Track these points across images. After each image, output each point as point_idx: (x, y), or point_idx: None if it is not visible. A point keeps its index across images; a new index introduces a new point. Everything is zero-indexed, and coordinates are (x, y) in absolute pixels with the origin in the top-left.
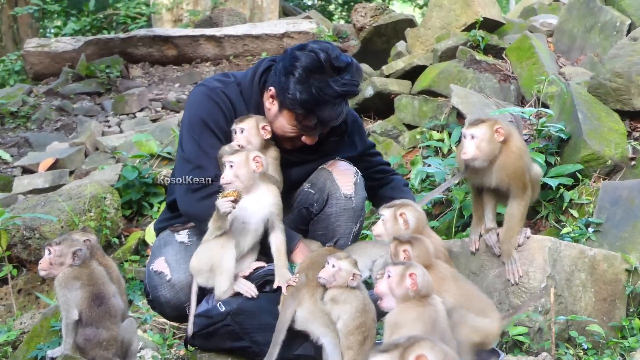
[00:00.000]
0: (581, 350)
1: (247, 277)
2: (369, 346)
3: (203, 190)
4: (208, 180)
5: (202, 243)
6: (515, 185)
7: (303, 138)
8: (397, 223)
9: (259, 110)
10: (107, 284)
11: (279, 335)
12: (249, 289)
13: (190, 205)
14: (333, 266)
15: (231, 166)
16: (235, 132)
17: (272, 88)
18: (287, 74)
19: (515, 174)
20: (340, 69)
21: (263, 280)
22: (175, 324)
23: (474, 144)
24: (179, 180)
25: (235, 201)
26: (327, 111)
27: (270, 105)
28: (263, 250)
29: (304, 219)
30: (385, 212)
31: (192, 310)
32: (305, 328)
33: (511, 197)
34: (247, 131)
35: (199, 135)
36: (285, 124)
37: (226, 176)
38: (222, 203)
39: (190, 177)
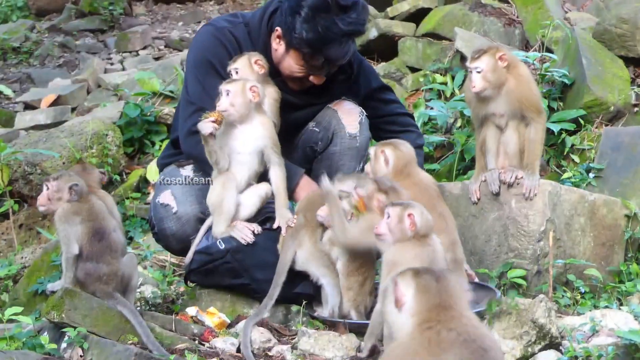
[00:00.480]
0: (578, 294)
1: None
2: (368, 287)
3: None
4: None
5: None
6: (529, 109)
7: (311, 78)
8: (378, 161)
9: (267, 51)
10: (107, 219)
11: (280, 277)
12: (245, 236)
13: (192, 147)
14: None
15: (227, 94)
16: (231, 74)
17: (278, 28)
18: (293, 13)
19: (527, 97)
20: (346, 8)
21: (264, 217)
22: (175, 261)
23: (480, 76)
24: (181, 122)
25: (216, 122)
26: (333, 50)
27: (277, 45)
28: None
29: (307, 157)
30: (371, 150)
31: (193, 247)
32: (306, 269)
33: (529, 124)
34: (241, 70)
35: (204, 77)
36: (292, 64)
37: (222, 104)
38: (202, 125)
39: (193, 119)
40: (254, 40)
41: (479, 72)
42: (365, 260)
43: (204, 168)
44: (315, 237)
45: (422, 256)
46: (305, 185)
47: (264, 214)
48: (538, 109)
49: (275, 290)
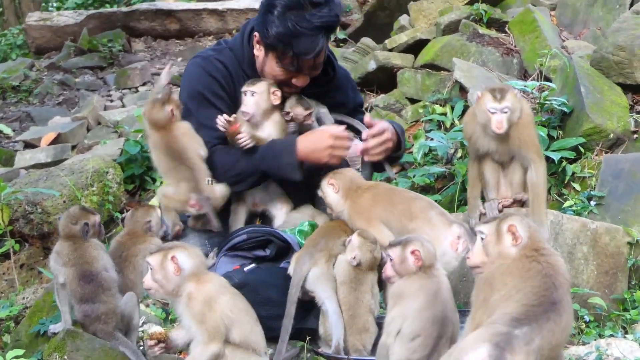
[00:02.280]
0: (583, 323)
1: (245, 240)
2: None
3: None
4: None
5: None
6: (531, 150)
7: (293, 81)
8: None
9: (253, 65)
10: (95, 261)
11: (294, 292)
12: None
13: None
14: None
15: (252, 95)
16: (245, 94)
17: (256, 33)
18: (266, 12)
19: (531, 138)
20: (318, 4)
21: (264, 238)
22: None
23: (507, 117)
24: None
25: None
26: (302, 43)
27: (258, 52)
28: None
29: (310, 187)
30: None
31: None
32: (314, 289)
33: (530, 166)
34: (258, 95)
35: (197, 109)
36: (272, 65)
37: (247, 105)
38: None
39: None
40: (240, 60)
41: (505, 112)
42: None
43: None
44: (330, 262)
45: (427, 287)
46: (305, 143)
47: (265, 235)
48: (538, 150)
49: (291, 308)
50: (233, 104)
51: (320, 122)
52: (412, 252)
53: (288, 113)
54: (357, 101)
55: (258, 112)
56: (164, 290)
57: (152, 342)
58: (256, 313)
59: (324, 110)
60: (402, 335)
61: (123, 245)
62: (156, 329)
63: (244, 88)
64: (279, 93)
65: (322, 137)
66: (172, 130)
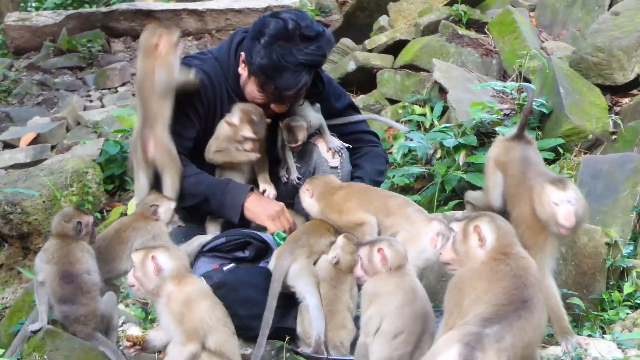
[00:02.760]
0: None
1: (224, 242)
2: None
3: None
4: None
5: None
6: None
7: (272, 106)
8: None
9: (237, 79)
10: (76, 264)
11: (276, 287)
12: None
13: None
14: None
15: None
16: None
17: (242, 53)
18: (254, 38)
19: None
20: (309, 38)
21: (243, 240)
22: None
23: (574, 209)
24: None
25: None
26: (285, 79)
27: (242, 70)
28: None
29: (290, 192)
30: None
31: None
32: (295, 284)
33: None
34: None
35: (174, 118)
36: (253, 89)
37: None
38: None
39: None
40: (225, 72)
41: (573, 204)
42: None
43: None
44: (311, 258)
45: (404, 285)
46: (255, 200)
47: (244, 237)
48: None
49: (272, 302)
50: (207, 117)
51: (321, 131)
52: (378, 251)
53: (297, 141)
54: (345, 103)
55: None
56: (144, 288)
57: (128, 344)
58: (235, 312)
59: (317, 117)
60: (383, 333)
61: (124, 221)
62: (133, 331)
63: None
64: (232, 119)
65: (271, 207)
66: None
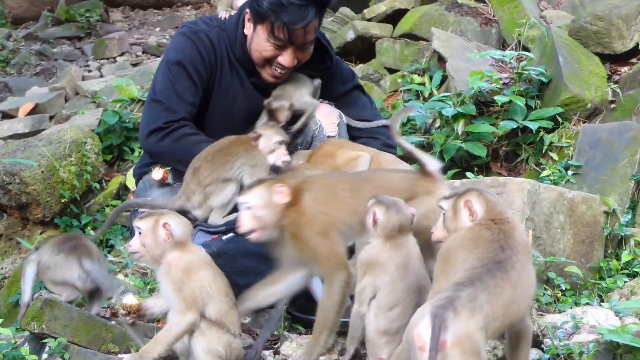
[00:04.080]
0: (559, 291)
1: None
2: None
3: (164, 130)
4: (177, 123)
5: None
6: None
7: (279, 59)
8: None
9: (243, 52)
10: None
11: None
12: None
13: (153, 145)
14: None
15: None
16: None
17: (247, 10)
18: None
19: None
20: None
21: None
22: None
23: None
24: (144, 119)
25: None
26: (292, 13)
27: (248, 29)
28: None
29: None
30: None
31: None
32: None
33: None
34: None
35: (175, 77)
36: (261, 41)
37: None
38: None
39: (157, 116)
40: (231, 41)
41: None
42: None
43: (172, 162)
44: None
45: (397, 260)
46: None
47: None
48: None
49: None
50: (208, 84)
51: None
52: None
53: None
54: (352, 84)
55: None
56: (149, 255)
57: (124, 312)
58: (234, 282)
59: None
60: (379, 305)
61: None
62: (128, 299)
63: None
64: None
65: None
66: None
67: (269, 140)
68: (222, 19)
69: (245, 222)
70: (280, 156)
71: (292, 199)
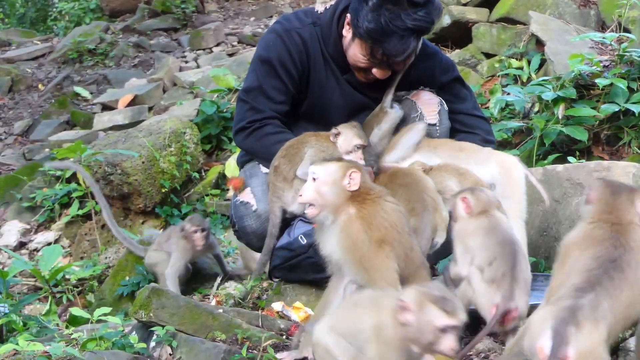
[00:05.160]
0: None
1: None
2: None
3: (247, 130)
4: (260, 122)
5: None
6: None
7: (374, 71)
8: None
9: (336, 50)
10: None
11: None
12: None
13: (241, 142)
14: None
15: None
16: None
17: (348, 15)
18: (361, 0)
19: None
20: (416, 4)
21: None
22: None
23: None
24: (235, 117)
25: None
26: (392, 43)
27: (347, 32)
28: None
29: None
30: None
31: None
32: None
33: None
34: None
35: (263, 76)
36: (357, 52)
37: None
38: None
39: (243, 116)
40: (325, 39)
41: None
42: None
43: (258, 159)
44: None
45: (483, 225)
46: None
47: None
48: None
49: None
50: (300, 82)
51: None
52: (462, 200)
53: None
54: (453, 76)
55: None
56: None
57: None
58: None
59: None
60: (478, 265)
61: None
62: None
63: None
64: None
65: None
66: None
67: (348, 142)
68: (318, 12)
69: (307, 192)
70: (355, 160)
71: (365, 191)
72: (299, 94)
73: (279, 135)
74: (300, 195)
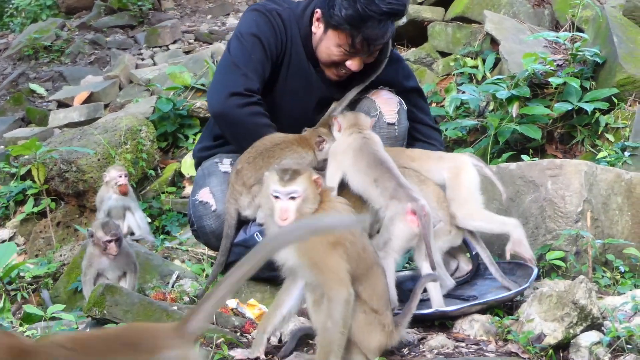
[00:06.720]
0: (618, 274)
1: None
2: None
3: (246, 98)
4: (257, 97)
5: None
6: None
7: (348, 63)
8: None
9: (307, 41)
10: None
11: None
12: None
13: (232, 109)
14: None
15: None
16: None
17: (318, 10)
18: None
19: None
20: None
21: None
22: (213, 254)
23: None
24: (221, 83)
25: None
26: (371, 28)
27: (316, 29)
28: None
29: None
30: None
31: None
32: None
33: None
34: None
35: (251, 46)
36: (330, 45)
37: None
38: None
39: (236, 80)
40: (300, 28)
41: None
42: None
43: (237, 135)
44: None
45: (353, 145)
46: None
47: None
48: None
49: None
50: (277, 62)
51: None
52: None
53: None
54: (416, 84)
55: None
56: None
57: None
58: None
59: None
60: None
61: (287, 138)
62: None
63: None
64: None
65: None
66: None
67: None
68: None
69: (291, 214)
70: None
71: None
72: (273, 74)
73: (267, 119)
74: (285, 219)
